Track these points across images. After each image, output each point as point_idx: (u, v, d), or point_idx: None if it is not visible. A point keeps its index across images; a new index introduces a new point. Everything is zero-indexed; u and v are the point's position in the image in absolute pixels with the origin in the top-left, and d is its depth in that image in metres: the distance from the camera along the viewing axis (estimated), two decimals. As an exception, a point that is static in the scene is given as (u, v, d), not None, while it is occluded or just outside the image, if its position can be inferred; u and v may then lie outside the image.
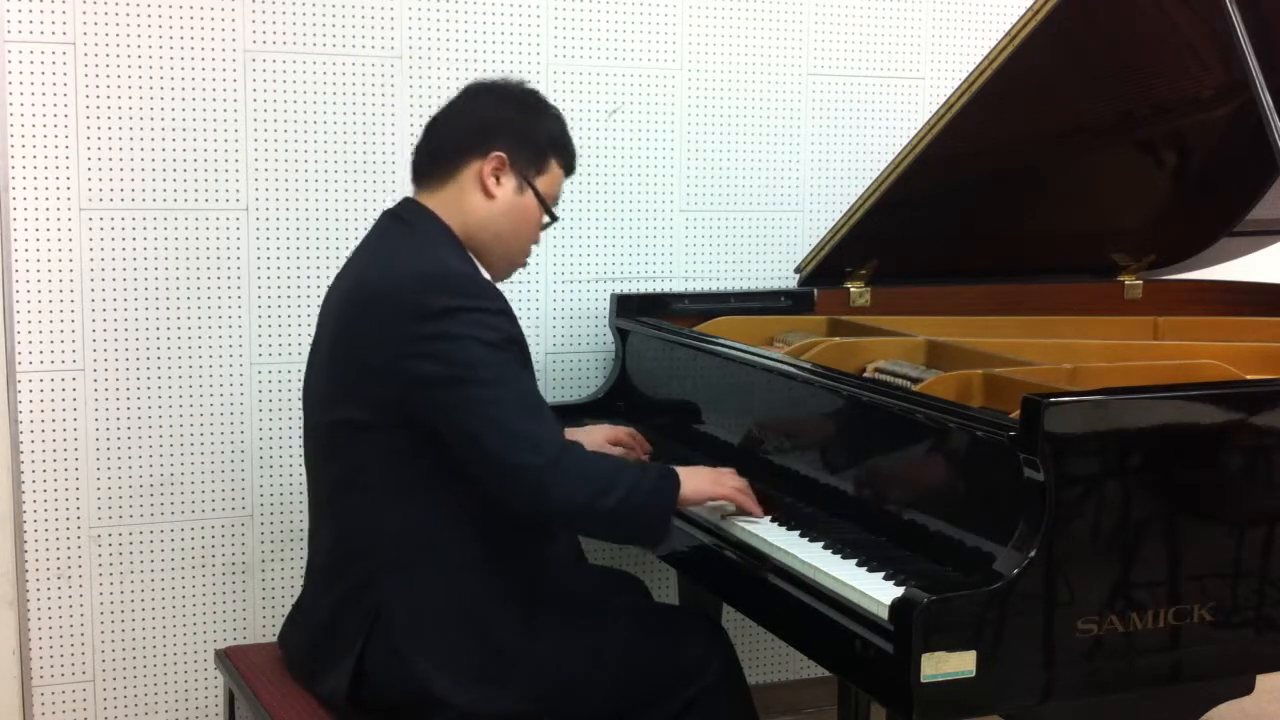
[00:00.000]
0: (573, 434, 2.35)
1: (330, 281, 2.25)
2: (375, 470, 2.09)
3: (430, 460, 2.07)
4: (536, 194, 2.21)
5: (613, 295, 3.02)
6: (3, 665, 2.81)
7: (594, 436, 2.48)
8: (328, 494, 2.17)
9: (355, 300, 2.12)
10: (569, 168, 2.28)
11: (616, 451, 2.48)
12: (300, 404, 2.27)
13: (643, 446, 2.55)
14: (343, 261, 2.40)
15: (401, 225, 2.19)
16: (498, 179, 2.18)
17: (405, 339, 2.02)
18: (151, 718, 2.92)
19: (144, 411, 2.84)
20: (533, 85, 2.28)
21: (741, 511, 2.23)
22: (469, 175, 2.18)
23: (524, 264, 2.31)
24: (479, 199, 2.19)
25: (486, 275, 2.20)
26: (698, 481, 2.19)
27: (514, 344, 2.08)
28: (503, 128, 2.19)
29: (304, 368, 2.26)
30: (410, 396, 2.03)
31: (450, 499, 2.09)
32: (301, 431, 2.24)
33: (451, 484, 2.08)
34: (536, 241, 2.28)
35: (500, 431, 2.00)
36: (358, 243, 2.25)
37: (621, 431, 2.55)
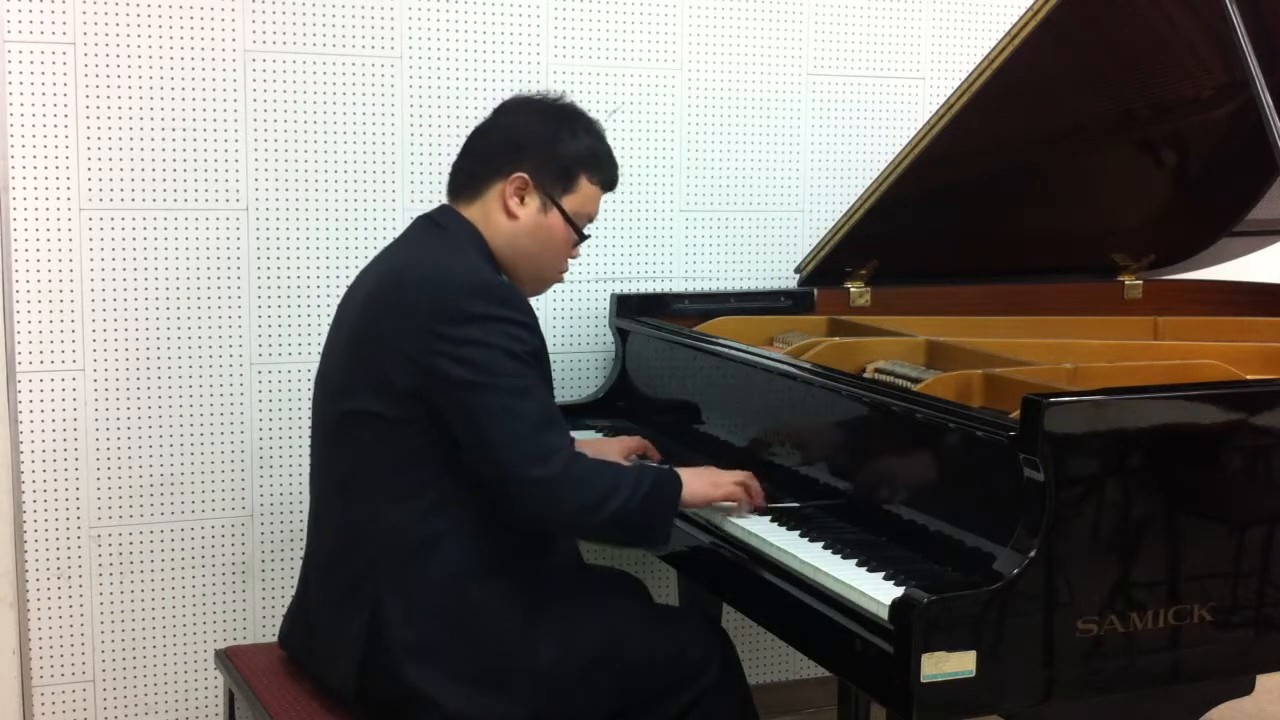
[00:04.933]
0: (585, 445, 2.36)
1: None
2: (383, 465, 2.10)
3: (439, 460, 2.09)
4: (562, 213, 2.22)
5: (613, 295, 3.02)
6: (3, 665, 2.81)
7: (609, 451, 2.49)
8: (334, 486, 2.18)
9: (387, 291, 2.13)
10: (606, 184, 2.28)
11: (632, 462, 2.48)
12: (303, 403, 2.27)
13: (654, 459, 2.55)
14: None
15: (437, 230, 2.21)
16: (521, 199, 2.20)
17: (436, 336, 2.05)
18: (151, 718, 2.92)
19: (144, 411, 2.84)
20: (570, 99, 2.28)
21: (747, 497, 2.24)
22: (494, 194, 2.21)
23: (558, 279, 2.33)
24: (503, 218, 2.21)
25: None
26: (697, 484, 2.21)
27: (538, 358, 2.12)
28: (530, 146, 2.20)
29: (304, 367, 2.26)
30: (432, 392, 2.05)
31: (455, 500, 2.10)
32: (302, 431, 2.25)
33: (457, 485, 2.10)
34: (573, 256, 2.29)
35: (514, 441, 2.04)
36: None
37: (635, 443, 2.56)
